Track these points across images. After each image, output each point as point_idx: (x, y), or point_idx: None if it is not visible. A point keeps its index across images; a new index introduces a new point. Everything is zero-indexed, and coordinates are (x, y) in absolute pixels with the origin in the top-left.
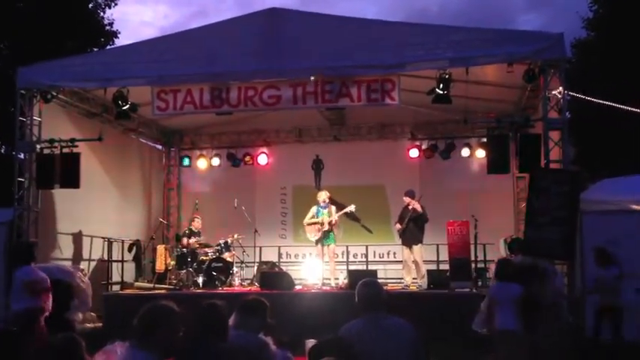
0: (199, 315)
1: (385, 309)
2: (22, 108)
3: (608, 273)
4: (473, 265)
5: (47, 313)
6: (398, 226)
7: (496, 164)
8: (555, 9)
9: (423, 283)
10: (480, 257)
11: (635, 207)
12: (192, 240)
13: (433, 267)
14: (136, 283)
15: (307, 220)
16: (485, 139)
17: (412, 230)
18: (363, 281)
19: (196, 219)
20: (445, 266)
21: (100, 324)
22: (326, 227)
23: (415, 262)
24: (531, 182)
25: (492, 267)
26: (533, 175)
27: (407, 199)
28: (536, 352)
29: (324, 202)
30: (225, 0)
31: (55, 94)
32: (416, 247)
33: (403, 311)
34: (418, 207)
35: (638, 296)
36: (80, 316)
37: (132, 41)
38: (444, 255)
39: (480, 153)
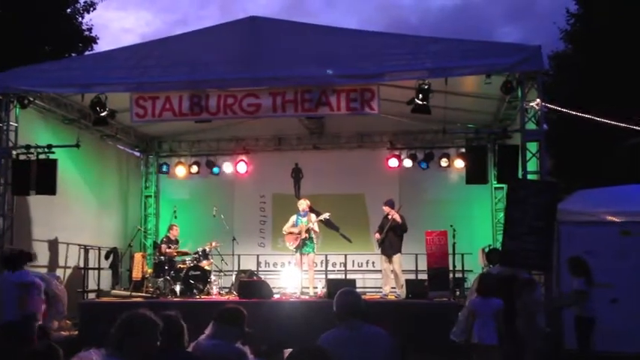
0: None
1: (363, 318)
2: None
3: (576, 285)
4: (451, 275)
5: (40, 322)
6: (377, 235)
7: (474, 174)
8: (534, 22)
9: (402, 292)
10: (459, 267)
11: (610, 218)
12: (170, 249)
13: (412, 276)
14: (113, 291)
15: (286, 228)
16: (463, 150)
17: (391, 240)
18: (341, 290)
19: (174, 227)
20: (424, 276)
21: (76, 332)
22: (303, 235)
23: (394, 272)
24: (509, 193)
25: (472, 278)
26: (511, 185)
27: (386, 209)
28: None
29: (304, 210)
30: (208, 8)
31: (32, 99)
32: (395, 257)
33: (381, 320)
34: (397, 217)
35: (613, 307)
36: (55, 324)
37: (112, 48)
38: (423, 264)
39: (459, 163)
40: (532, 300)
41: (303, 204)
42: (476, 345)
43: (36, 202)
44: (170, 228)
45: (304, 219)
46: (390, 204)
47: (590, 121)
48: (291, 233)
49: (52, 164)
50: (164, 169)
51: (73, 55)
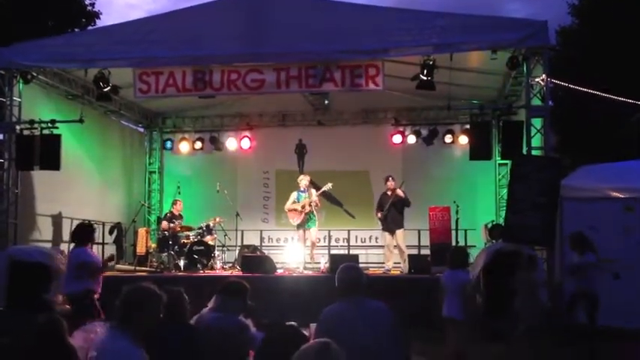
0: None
1: (365, 293)
2: (1, 88)
3: (583, 259)
4: None
5: (97, 295)
6: (379, 214)
7: (478, 151)
8: None
9: (405, 267)
10: (462, 243)
11: (614, 194)
12: (173, 224)
13: (414, 252)
14: (117, 266)
15: (288, 205)
16: (468, 126)
17: (394, 215)
18: (343, 265)
19: (178, 202)
20: (426, 251)
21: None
22: (307, 209)
23: (398, 247)
24: (513, 169)
25: (475, 254)
26: (515, 161)
27: (389, 184)
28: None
29: (304, 187)
30: None
31: (35, 74)
32: (399, 232)
33: (383, 295)
34: (401, 192)
35: (615, 282)
36: (60, 298)
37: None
38: (426, 240)
39: (463, 139)
40: (532, 276)
41: (304, 180)
42: (445, 319)
43: (40, 177)
44: (174, 203)
45: (304, 195)
46: (392, 179)
47: (596, 97)
48: (294, 210)
49: (56, 139)
50: (168, 145)
51: (76, 30)
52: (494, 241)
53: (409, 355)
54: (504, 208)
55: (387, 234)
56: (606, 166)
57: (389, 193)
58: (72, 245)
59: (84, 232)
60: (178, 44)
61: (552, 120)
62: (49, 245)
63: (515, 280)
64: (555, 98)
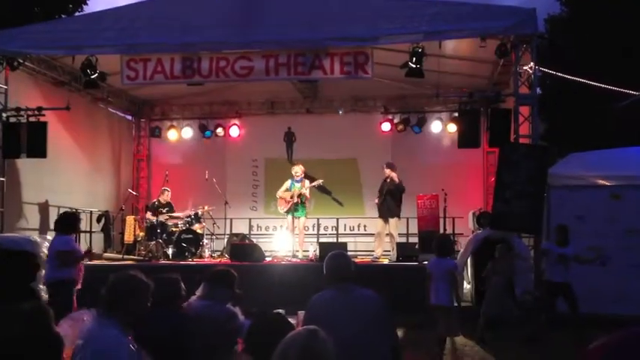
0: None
1: (353, 281)
2: None
3: (566, 250)
4: None
5: (79, 286)
6: (376, 200)
7: (467, 138)
8: None
9: (394, 255)
10: (449, 230)
11: (601, 182)
12: (160, 215)
13: (403, 240)
14: (105, 254)
15: (280, 192)
16: (456, 114)
17: (389, 203)
18: (331, 253)
19: (166, 192)
20: (415, 239)
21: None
22: (295, 200)
23: (390, 235)
24: (501, 157)
25: (462, 241)
26: (503, 149)
27: (387, 171)
28: (493, 323)
29: (298, 175)
30: None
31: (21, 61)
32: (392, 220)
33: (371, 283)
34: (396, 178)
35: (602, 269)
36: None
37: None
38: (414, 228)
39: (452, 127)
40: (511, 263)
41: (298, 169)
42: (431, 305)
43: (27, 165)
44: (161, 192)
45: (298, 184)
46: (391, 166)
47: (584, 84)
48: (283, 198)
49: (43, 127)
50: (156, 132)
51: (63, 16)
52: (482, 228)
53: (397, 341)
54: (492, 196)
55: (380, 221)
56: (593, 153)
57: (387, 180)
58: (54, 233)
59: (68, 221)
60: (166, 31)
61: (540, 108)
62: (35, 234)
63: (501, 267)
64: (543, 86)
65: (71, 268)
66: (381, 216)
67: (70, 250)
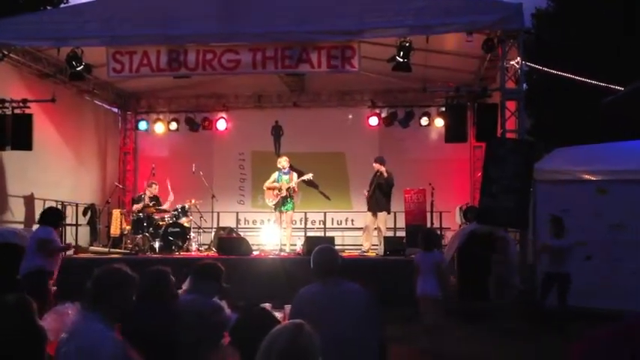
0: (143, 279)
1: (340, 275)
2: None
3: (562, 243)
4: None
5: (53, 278)
6: (365, 193)
7: (454, 133)
8: None
9: (381, 249)
10: (437, 225)
11: (587, 177)
12: (147, 208)
13: (390, 234)
14: (91, 248)
15: (267, 184)
16: (443, 108)
17: (377, 197)
18: (318, 247)
19: (153, 185)
20: (402, 233)
21: (54, 287)
22: (283, 193)
23: (378, 229)
24: (487, 151)
25: (448, 235)
26: (490, 144)
27: (376, 166)
28: (477, 316)
29: (285, 168)
30: None
31: (6, 52)
32: (381, 215)
33: (358, 277)
34: (384, 172)
35: (587, 264)
36: None
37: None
38: (402, 222)
39: (439, 122)
40: (504, 257)
41: (283, 161)
42: (419, 298)
43: (12, 157)
44: (148, 186)
45: (286, 177)
46: (380, 160)
47: (571, 80)
48: (271, 189)
49: (28, 119)
50: (142, 125)
51: (49, 7)
52: (468, 223)
53: (384, 335)
54: (479, 191)
55: (369, 215)
56: (579, 148)
57: (377, 174)
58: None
59: (52, 216)
60: (151, 23)
61: (527, 103)
62: (20, 226)
63: (488, 262)
64: (530, 81)
65: (49, 259)
66: (369, 209)
67: (50, 239)
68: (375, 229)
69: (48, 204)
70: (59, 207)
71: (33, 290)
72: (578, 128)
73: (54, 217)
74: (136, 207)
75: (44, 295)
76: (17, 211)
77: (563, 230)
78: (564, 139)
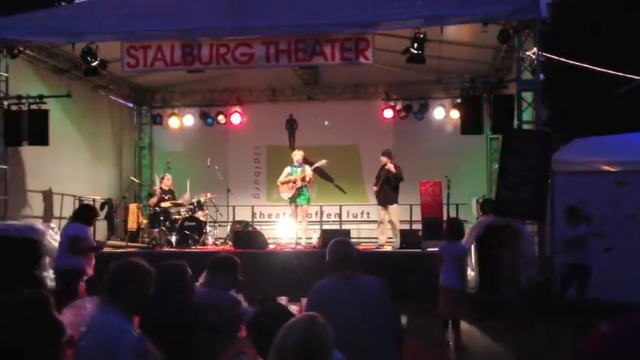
0: (160, 273)
1: (356, 267)
2: None
3: (575, 231)
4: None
5: (88, 276)
6: (374, 188)
7: (469, 125)
8: None
9: (397, 242)
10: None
11: (605, 167)
12: (164, 200)
13: (406, 227)
14: (108, 242)
15: (281, 179)
16: (459, 100)
17: (386, 190)
18: (334, 240)
19: (166, 177)
20: (418, 226)
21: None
22: (299, 184)
23: (391, 222)
24: (504, 143)
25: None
26: (506, 135)
27: (383, 159)
28: (495, 309)
29: (298, 161)
30: None
31: (21, 49)
32: (391, 207)
33: (375, 270)
34: (392, 167)
35: (606, 255)
36: (51, 273)
37: None
38: (418, 215)
39: (454, 114)
40: (518, 249)
41: (298, 155)
42: (441, 287)
43: (30, 153)
44: (161, 179)
45: (299, 170)
46: (387, 154)
47: (588, 70)
48: (285, 183)
49: (44, 115)
50: (157, 120)
51: (63, 3)
52: (485, 215)
53: (401, 329)
54: (496, 183)
55: (381, 209)
56: (597, 139)
57: (385, 168)
58: (67, 221)
59: (85, 213)
60: (165, 17)
61: (544, 94)
62: (39, 221)
63: (504, 254)
64: (547, 71)
65: (81, 257)
66: (379, 203)
67: (83, 237)
68: (389, 222)
69: (66, 199)
70: (75, 201)
71: (64, 288)
72: (596, 119)
73: (87, 214)
74: (152, 201)
75: (74, 293)
76: (36, 206)
77: (579, 220)
78: (582, 130)
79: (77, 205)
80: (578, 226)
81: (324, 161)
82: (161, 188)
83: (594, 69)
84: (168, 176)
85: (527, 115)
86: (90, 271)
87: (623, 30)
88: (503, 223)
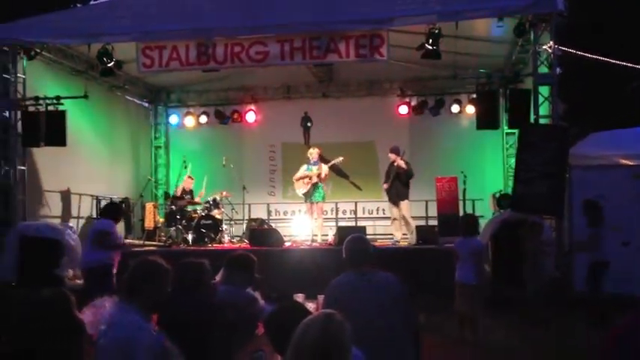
0: (179, 271)
1: (372, 264)
2: (5, 65)
3: (591, 231)
4: None
5: (115, 270)
6: (385, 185)
7: (486, 120)
8: None
9: (412, 238)
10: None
11: (622, 161)
12: (183, 199)
13: (422, 223)
14: (126, 240)
15: (296, 177)
16: (474, 95)
17: (397, 187)
18: (350, 237)
19: (189, 179)
20: (434, 222)
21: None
22: (314, 180)
23: (403, 219)
24: (520, 138)
25: (483, 224)
26: (523, 130)
27: (392, 156)
28: (511, 305)
29: (314, 159)
30: None
31: (38, 50)
32: (403, 203)
33: (391, 266)
34: (402, 164)
35: (623, 250)
36: (70, 272)
37: None
38: (433, 211)
39: (470, 109)
40: (538, 243)
41: (314, 152)
42: (457, 284)
43: (47, 153)
44: (184, 180)
45: (314, 167)
46: (396, 151)
47: (606, 62)
48: (301, 178)
49: (61, 115)
50: (173, 119)
51: (79, 5)
52: (502, 210)
53: (418, 325)
54: (512, 178)
55: (392, 206)
56: (615, 133)
57: (394, 164)
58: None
59: (112, 209)
60: (180, 17)
61: (560, 88)
62: (58, 221)
63: (521, 249)
64: (563, 65)
65: (109, 251)
66: (390, 200)
67: (109, 232)
68: (401, 218)
69: (84, 199)
70: (93, 201)
71: (96, 284)
72: (613, 112)
73: (113, 210)
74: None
75: (107, 288)
76: (54, 206)
77: (598, 217)
78: (599, 124)
79: (95, 204)
80: (598, 223)
81: (340, 158)
82: (183, 188)
83: (612, 62)
84: (191, 178)
85: (544, 109)
86: (116, 266)
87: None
88: (520, 219)
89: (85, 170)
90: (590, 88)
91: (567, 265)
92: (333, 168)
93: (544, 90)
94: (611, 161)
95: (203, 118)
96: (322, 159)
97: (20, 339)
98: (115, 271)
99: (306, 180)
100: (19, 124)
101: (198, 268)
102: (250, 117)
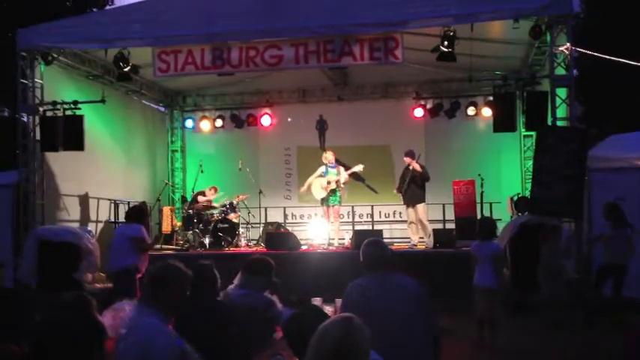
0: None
1: (390, 267)
2: (23, 70)
3: (621, 233)
4: None
5: (140, 275)
6: (397, 189)
7: (502, 122)
8: None
9: (430, 242)
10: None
11: None
12: (193, 199)
13: (439, 226)
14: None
15: (312, 177)
16: (491, 98)
17: (413, 190)
18: (367, 240)
19: (213, 189)
20: (451, 225)
21: (110, 284)
22: (333, 185)
23: (420, 222)
24: (538, 140)
25: (501, 227)
26: (540, 133)
27: (407, 159)
28: (531, 308)
29: (331, 162)
30: None
31: (55, 56)
32: (419, 206)
33: (409, 269)
34: (417, 167)
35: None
36: (89, 276)
37: (132, 0)
38: (451, 214)
39: (486, 111)
40: (556, 247)
41: (330, 156)
42: (475, 287)
43: (65, 157)
44: (209, 188)
45: (333, 170)
46: (411, 154)
47: (623, 64)
48: (319, 179)
49: (79, 120)
50: (189, 123)
51: (95, 10)
52: (520, 214)
53: (437, 329)
54: (530, 181)
55: (409, 209)
56: (634, 135)
57: (410, 167)
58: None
59: (138, 213)
60: (195, 22)
61: (578, 90)
62: (76, 225)
63: (540, 253)
64: (581, 67)
65: (140, 256)
66: (406, 203)
67: (144, 237)
68: (418, 221)
69: (102, 203)
70: (111, 205)
71: (128, 287)
72: (633, 114)
73: (140, 214)
74: (189, 204)
75: (133, 292)
76: (72, 210)
77: (623, 217)
78: (619, 126)
79: (113, 208)
80: (621, 224)
81: (361, 166)
82: (204, 192)
83: (631, 63)
84: (216, 188)
85: (562, 111)
86: (143, 270)
87: None
88: (538, 222)
89: (103, 174)
90: (610, 90)
91: (586, 268)
92: (352, 175)
93: (561, 92)
94: (630, 163)
95: (219, 122)
96: (340, 163)
97: (42, 342)
98: (139, 274)
99: (325, 185)
100: (38, 129)
101: (205, 269)
102: (266, 120)
